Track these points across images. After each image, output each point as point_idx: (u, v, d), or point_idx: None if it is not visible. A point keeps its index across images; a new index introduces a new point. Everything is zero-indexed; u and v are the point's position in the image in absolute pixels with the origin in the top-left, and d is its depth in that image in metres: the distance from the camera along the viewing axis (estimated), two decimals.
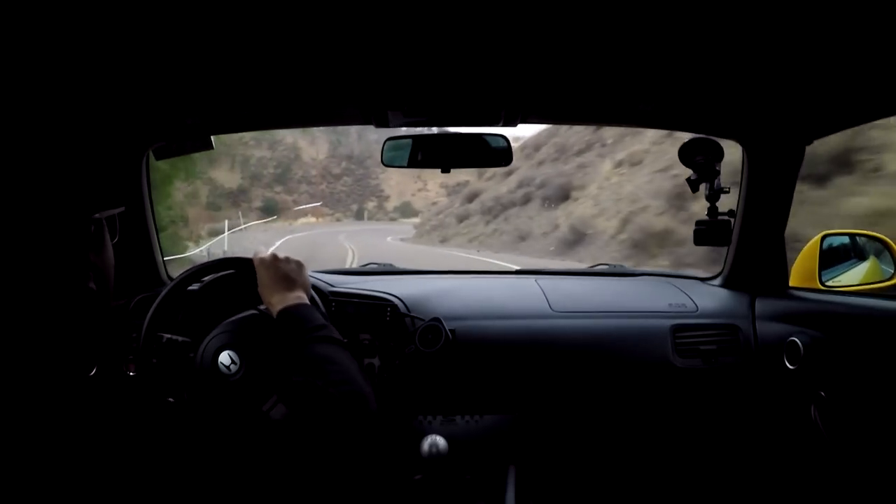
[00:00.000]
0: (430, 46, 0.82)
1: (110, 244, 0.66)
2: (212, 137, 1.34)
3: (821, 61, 0.85)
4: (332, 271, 1.48)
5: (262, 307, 0.97)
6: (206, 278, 1.16)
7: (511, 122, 1.21)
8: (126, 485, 0.52)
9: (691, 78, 0.97)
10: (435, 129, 1.26)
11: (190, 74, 0.94)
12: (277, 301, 0.87)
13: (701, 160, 1.25)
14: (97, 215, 0.62)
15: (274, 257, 0.93)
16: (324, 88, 1.05)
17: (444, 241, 21.11)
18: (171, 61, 0.86)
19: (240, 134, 1.32)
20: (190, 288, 1.12)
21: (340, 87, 1.04)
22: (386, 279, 1.44)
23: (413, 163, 1.23)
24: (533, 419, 1.28)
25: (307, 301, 0.88)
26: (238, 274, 1.16)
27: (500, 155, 1.23)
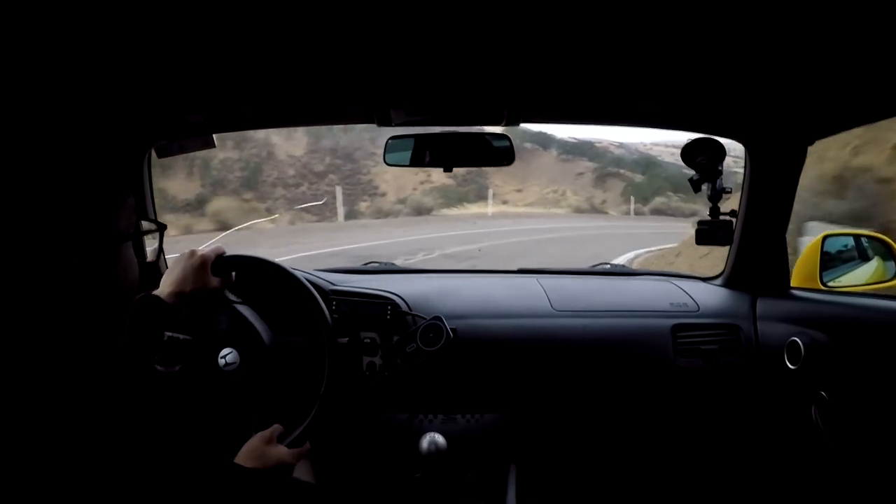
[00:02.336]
0: (433, 45, 0.82)
1: (136, 264, 0.56)
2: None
3: (823, 62, 0.85)
4: (333, 269, 1.48)
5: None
6: None
7: (514, 122, 1.21)
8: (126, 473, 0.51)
9: (694, 78, 0.97)
10: (437, 128, 1.26)
11: (192, 72, 0.93)
12: (257, 448, 0.86)
13: (703, 160, 1.25)
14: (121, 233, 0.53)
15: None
16: (327, 86, 1.05)
17: None
18: (173, 59, 0.86)
19: None
20: None
21: (343, 86, 1.04)
22: (387, 278, 1.44)
23: (415, 162, 1.24)
24: (534, 418, 1.29)
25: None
26: (239, 274, 1.17)
27: (502, 154, 1.24)
